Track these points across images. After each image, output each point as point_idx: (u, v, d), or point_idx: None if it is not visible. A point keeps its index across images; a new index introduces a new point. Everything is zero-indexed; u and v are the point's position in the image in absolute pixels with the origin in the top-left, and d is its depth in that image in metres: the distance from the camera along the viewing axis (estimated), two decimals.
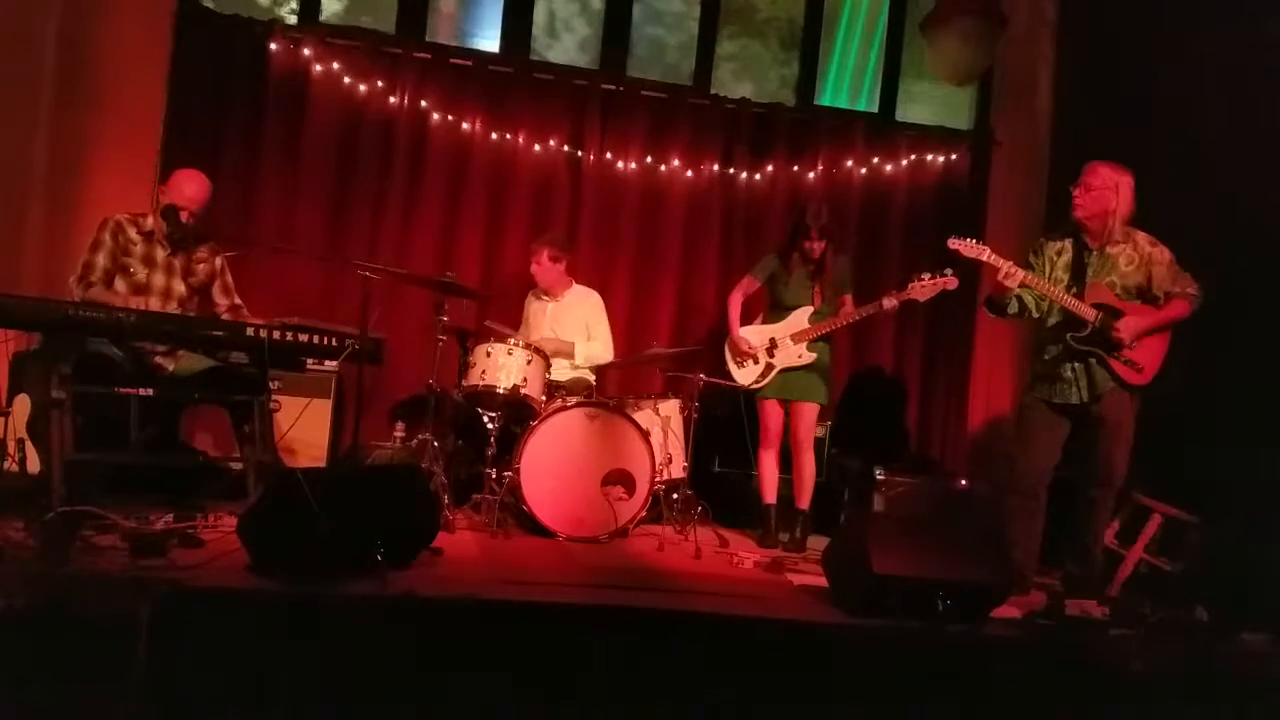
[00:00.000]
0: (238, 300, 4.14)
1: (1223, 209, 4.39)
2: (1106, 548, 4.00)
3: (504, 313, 5.19)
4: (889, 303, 4.30)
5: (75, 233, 4.51)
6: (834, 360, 4.75)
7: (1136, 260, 3.77)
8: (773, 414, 4.52)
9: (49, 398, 3.21)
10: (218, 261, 4.11)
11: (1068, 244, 3.87)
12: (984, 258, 3.83)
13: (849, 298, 4.56)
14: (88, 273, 3.79)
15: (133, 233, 3.87)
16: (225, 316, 4.03)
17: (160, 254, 3.92)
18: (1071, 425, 3.83)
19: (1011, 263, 3.76)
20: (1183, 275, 3.76)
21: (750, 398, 4.57)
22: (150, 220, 3.91)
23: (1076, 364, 3.77)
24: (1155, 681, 2.89)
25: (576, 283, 5.09)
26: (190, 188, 3.92)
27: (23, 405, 3.66)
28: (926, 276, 4.23)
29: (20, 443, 3.52)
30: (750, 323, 4.65)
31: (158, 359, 3.80)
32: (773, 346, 4.48)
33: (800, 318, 4.47)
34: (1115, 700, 2.86)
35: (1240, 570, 3.66)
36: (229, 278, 4.15)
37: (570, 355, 4.88)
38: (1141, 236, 3.80)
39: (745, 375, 4.52)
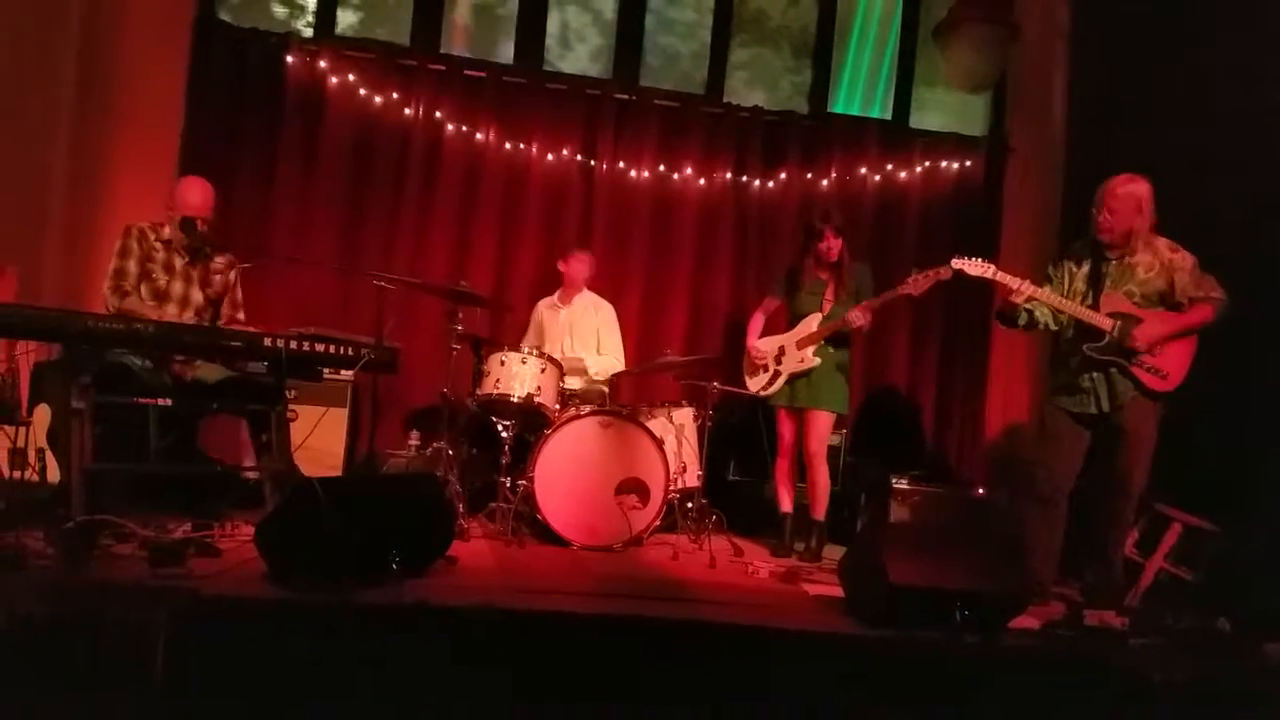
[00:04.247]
0: (240, 315, 4.17)
1: (1241, 213, 4.36)
2: (1126, 557, 3.97)
3: (517, 322, 5.21)
4: (885, 299, 4.27)
5: (94, 244, 4.57)
6: (851, 368, 4.68)
7: (1156, 267, 3.74)
8: (786, 423, 4.50)
9: (69, 408, 3.23)
10: (232, 275, 4.15)
11: (1086, 255, 3.85)
12: (990, 275, 3.81)
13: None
14: (121, 280, 3.83)
15: (154, 239, 3.93)
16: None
17: (179, 262, 3.96)
18: (1092, 435, 3.80)
19: (1019, 279, 3.74)
20: (1206, 280, 3.70)
21: (769, 407, 4.55)
22: (168, 230, 3.95)
23: (1096, 374, 3.74)
24: (1176, 693, 2.85)
25: (589, 290, 5.13)
26: (194, 195, 3.95)
27: (43, 415, 3.69)
28: (917, 272, 4.21)
29: (40, 452, 3.55)
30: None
31: (176, 366, 3.84)
32: (781, 354, 4.47)
33: (809, 324, 4.44)
34: (1135, 712, 2.83)
35: (1262, 580, 3.62)
36: (239, 292, 4.18)
37: (582, 371, 4.92)
38: (1162, 243, 3.76)
39: (755, 384, 4.54)
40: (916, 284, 4.19)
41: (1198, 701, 2.85)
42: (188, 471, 3.90)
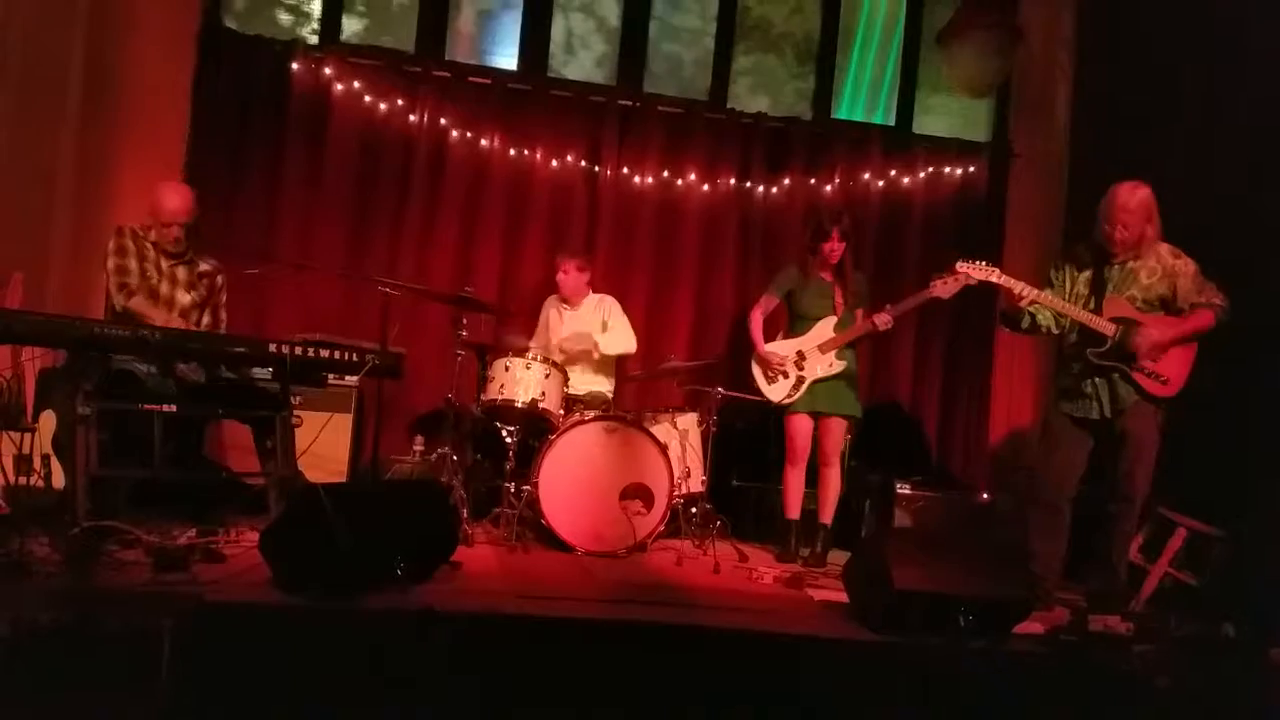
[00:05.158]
0: (221, 317, 4.18)
1: (1244, 221, 4.35)
2: (1131, 562, 3.96)
3: (523, 327, 5.22)
4: (913, 301, 4.24)
5: (99, 251, 4.55)
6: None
7: (1159, 272, 3.73)
8: (801, 429, 4.45)
9: (74, 414, 3.24)
10: (219, 279, 4.17)
11: (1089, 260, 3.85)
12: (993, 279, 3.81)
13: (861, 313, 4.53)
14: (124, 277, 3.87)
15: (145, 239, 3.96)
16: None
17: (165, 264, 4.00)
18: (1095, 440, 3.79)
19: (1023, 283, 3.74)
20: (1208, 286, 3.70)
21: (779, 413, 4.50)
22: (154, 232, 3.99)
23: (1098, 379, 3.74)
24: (1180, 698, 2.85)
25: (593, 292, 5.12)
26: (176, 200, 3.98)
27: (48, 421, 3.71)
28: (944, 274, 4.10)
29: (45, 458, 3.56)
30: (771, 340, 4.56)
31: (180, 368, 3.85)
32: (801, 359, 4.43)
33: (825, 327, 4.43)
34: (1139, 717, 2.82)
35: (1267, 585, 3.61)
36: (223, 297, 4.21)
37: (591, 348, 4.88)
38: (1164, 248, 3.76)
39: (777, 391, 4.45)
40: (946, 286, 4.05)
41: (1202, 707, 2.84)
42: (192, 478, 3.91)
